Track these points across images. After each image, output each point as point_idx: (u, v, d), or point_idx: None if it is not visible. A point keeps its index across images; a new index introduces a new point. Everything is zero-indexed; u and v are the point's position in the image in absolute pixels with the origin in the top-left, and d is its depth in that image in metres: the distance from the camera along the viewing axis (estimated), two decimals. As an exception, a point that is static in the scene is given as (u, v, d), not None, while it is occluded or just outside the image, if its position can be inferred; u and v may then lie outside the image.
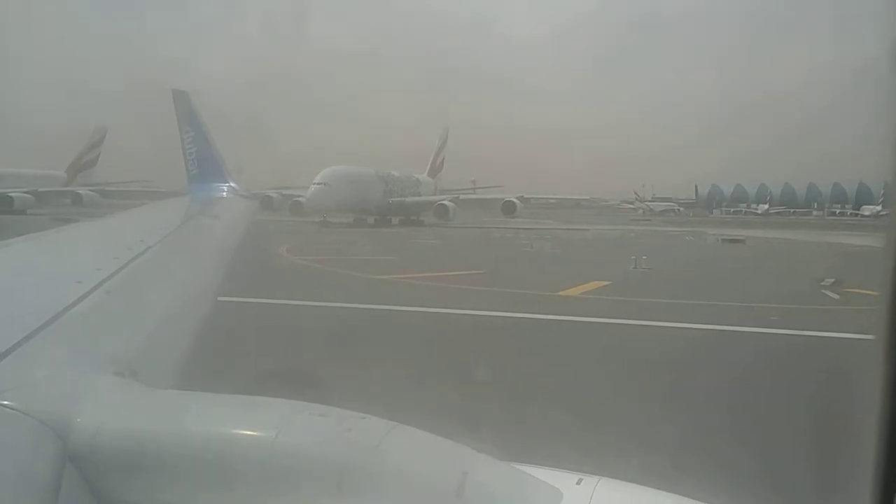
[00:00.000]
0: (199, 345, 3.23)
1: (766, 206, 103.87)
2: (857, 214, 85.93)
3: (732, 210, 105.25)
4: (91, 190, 57.31)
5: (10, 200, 51.67)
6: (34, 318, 2.23)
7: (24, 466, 1.45)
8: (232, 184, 10.84)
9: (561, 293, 17.80)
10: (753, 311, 15.36)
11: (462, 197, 62.63)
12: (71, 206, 52.11)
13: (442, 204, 57.13)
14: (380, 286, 19.28)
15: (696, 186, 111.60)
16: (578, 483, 1.40)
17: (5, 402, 1.54)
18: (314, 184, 49.59)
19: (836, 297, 17.66)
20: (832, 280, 19.51)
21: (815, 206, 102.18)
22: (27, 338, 2.04)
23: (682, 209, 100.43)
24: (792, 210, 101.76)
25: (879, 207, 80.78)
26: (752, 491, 5.43)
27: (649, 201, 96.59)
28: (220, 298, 4.64)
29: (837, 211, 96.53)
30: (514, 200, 57.08)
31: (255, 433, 1.49)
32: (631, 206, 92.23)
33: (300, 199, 50.83)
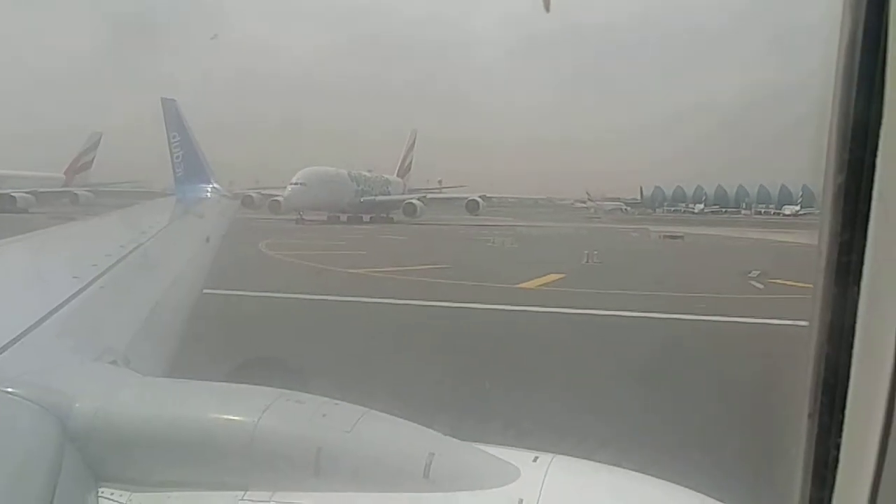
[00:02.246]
0: (186, 334, 3.22)
1: (702, 206, 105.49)
2: (779, 214, 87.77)
3: (672, 209, 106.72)
4: (87, 190, 56.71)
5: (13, 200, 51.38)
6: (35, 311, 2.21)
7: (29, 448, 1.45)
8: (215, 184, 10.76)
9: (520, 286, 17.90)
10: (690, 300, 15.61)
11: (429, 196, 62.63)
12: (69, 206, 51.41)
13: (410, 202, 57.13)
14: (350, 279, 19.20)
15: (640, 188, 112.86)
16: (534, 460, 1.43)
17: (10, 390, 1.53)
18: (291, 184, 49.42)
19: (761, 286, 18.04)
20: (758, 272, 19.89)
21: (744, 206, 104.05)
22: (29, 329, 2.02)
23: (628, 208, 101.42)
24: (724, 209, 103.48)
25: (798, 207, 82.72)
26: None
27: (599, 201, 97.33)
28: (205, 291, 4.61)
29: (763, 210, 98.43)
30: (478, 199, 57.30)
31: (238, 418, 1.49)
32: (583, 205, 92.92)
33: (278, 198, 50.49)
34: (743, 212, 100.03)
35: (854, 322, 0.99)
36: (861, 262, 0.98)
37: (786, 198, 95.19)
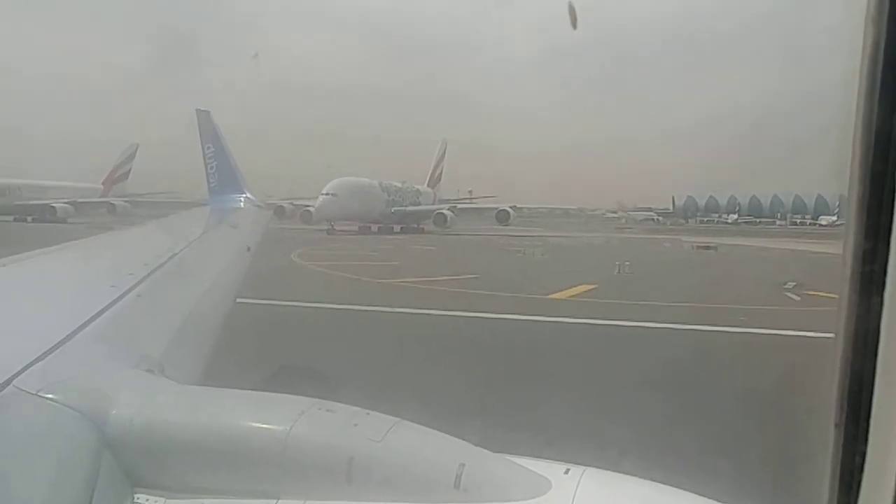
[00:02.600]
0: (220, 342, 3.26)
1: (736, 216, 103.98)
2: (815, 224, 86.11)
3: (705, 220, 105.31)
4: (124, 201, 58.00)
5: (53, 210, 53.04)
6: (74, 319, 2.25)
7: (67, 453, 1.48)
8: (248, 194, 10.90)
9: (551, 296, 17.80)
10: (724, 311, 15.38)
11: (459, 206, 62.69)
12: (106, 216, 52.60)
13: (440, 213, 57.26)
14: (381, 289, 19.27)
15: (672, 198, 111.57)
16: (566, 473, 1.42)
17: (49, 396, 1.57)
18: (322, 194, 49.79)
19: (798, 298, 17.70)
20: (794, 283, 19.54)
21: (779, 216, 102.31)
22: (68, 337, 2.07)
23: (660, 218, 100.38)
24: (758, 220, 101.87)
25: (835, 218, 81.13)
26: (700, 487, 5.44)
27: (631, 211, 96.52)
28: (238, 300, 4.66)
29: (798, 221, 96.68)
30: (508, 209, 57.20)
31: (270, 426, 1.51)
32: (614, 215, 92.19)
33: (310, 208, 50.94)
34: (778, 222, 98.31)
35: (878, 331, 0.99)
36: (885, 272, 0.99)
37: (822, 208, 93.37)
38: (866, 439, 1.03)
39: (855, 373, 1.04)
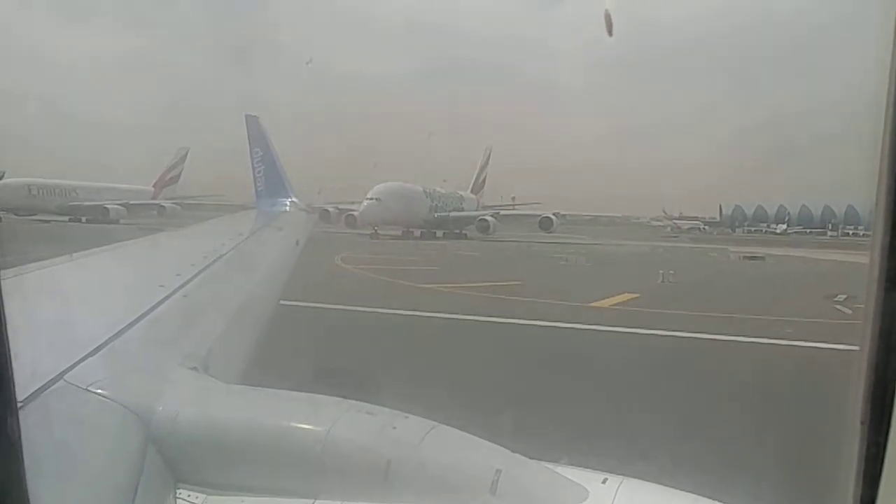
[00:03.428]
0: (264, 343, 3.31)
1: (785, 226, 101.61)
2: (868, 235, 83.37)
3: (753, 229, 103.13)
4: (174, 203, 59.35)
5: (106, 211, 54.69)
6: (123, 317, 2.31)
7: (114, 447, 1.52)
8: (294, 199, 11.04)
9: (592, 304, 17.62)
10: (770, 323, 15.03)
11: (502, 212, 62.47)
12: (157, 217, 53.95)
13: (483, 219, 57.14)
14: (423, 294, 19.31)
15: (720, 206, 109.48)
16: (603, 482, 1.40)
17: (98, 391, 1.61)
18: (367, 199, 50.17)
19: (849, 311, 17.18)
20: (844, 296, 18.98)
21: (830, 227, 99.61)
22: (117, 334, 2.12)
23: (706, 227, 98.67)
24: (808, 230, 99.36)
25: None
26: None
27: (676, 219, 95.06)
28: (282, 302, 4.72)
29: (850, 232, 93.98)
30: (551, 216, 56.78)
31: (310, 426, 1.53)
32: (659, 223, 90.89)
33: (353, 212, 51.37)
34: (829, 233, 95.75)
35: None
36: None
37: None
38: (887, 436, 1.08)
39: (880, 372, 1.07)
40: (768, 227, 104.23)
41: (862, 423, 1.10)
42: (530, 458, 1.48)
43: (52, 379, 1.63)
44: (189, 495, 1.54)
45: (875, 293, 1.05)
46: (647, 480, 1.46)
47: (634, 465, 1.54)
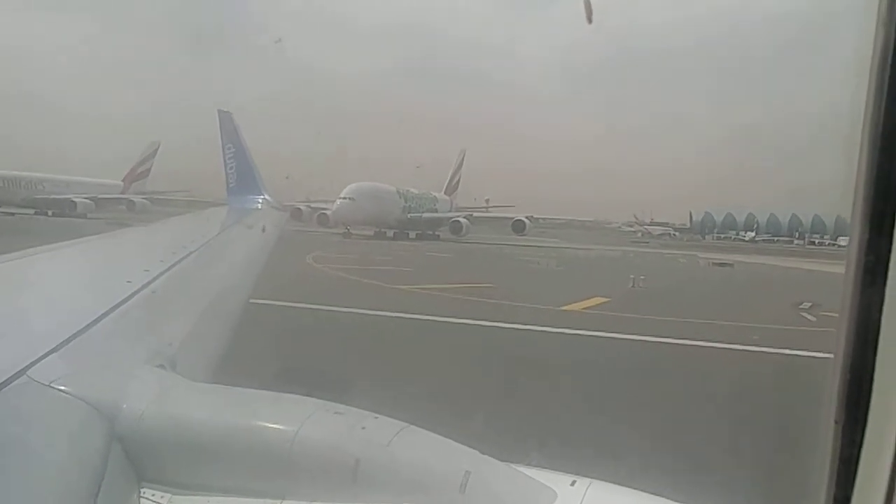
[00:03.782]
0: (233, 341, 3.27)
1: (753, 234, 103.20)
2: (834, 245, 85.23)
3: (722, 236, 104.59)
4: (143, 198, 58.61)
5: (73, 205, 53.77)
6: (89, 313, 2.27)
7: (77, 445, 1.49)
8: (266, 196, 10.96)
9: (563, 308, 17.74)
10: (737, 329, 15.25)
11: (475, 215, 62.62)
12: (126, 212, 53.22)
13: (456, 220, 57.27)
14: (395, 295, 19.29)
15: (690, 213, 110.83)
16: (572, 484, 1.41)
17: (61, 388, 1.58)
18: (340, 198, 49.99)
19: (813, 319, 17.51)
20: (810, 304, 19.33)
21: (797, 236, 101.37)
22: (82, 330, 2.08)
23: (677, 234, 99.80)
24: (776, 238, 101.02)
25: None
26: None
27: (647, 225, 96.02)
28: (251, 301, 4.68)
29: (817, 241, 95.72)
30: (524, 219, 57.05)
31: (278, 426, 1.51)
32: (631, 229, 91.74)
33: (326, 211, 51.15)
34: (796, 241, 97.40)
35: (878, 333, 1.04)
36: (885, 272, 1.03)
37: (842, 229, 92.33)
38: (863, 435, 1.08)
39: (854, 372, 1.09)
40: (737, 234, 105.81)
41: (836, 422, 1.12)
42: (500, 459, 1.48)
43: (14, 374, 1.60)
44: (154, 495, 1.51)
45: (849, 295, 1.08)
46: (616, 483, 1.47)
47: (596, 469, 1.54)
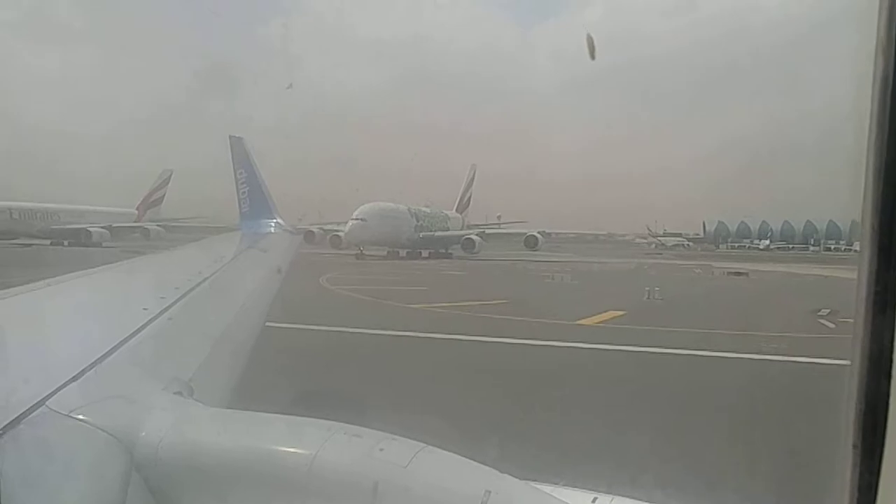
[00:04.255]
0: (248, 366, 3.28)
1: (768, 242, 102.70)
2: (850, 250, 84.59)
3: (737, 245, 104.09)
4: (158, 225, 59.08)
5: (88, 234, 54.32)
6: (106, 341, 2.28)
7: (96, 474, 1.49)
8: (279, 220, 11.03)
9: (578, 322, 17.66)
10: (755, 339, 15.11)
11: (488, 231, 62.69)
12: (140, 240, 53.63)
13: (469, 238, 57.30)
14: (410, 314, 19.28)
15: (703, 223, 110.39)
16: (593, 501, 1.39)
17: (80, 417, 1.59)
18: (352, 219, 50.22)
19: (832, 325, 17.32)
20: (828, 311, 19.13)
21: (812, 242, 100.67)
22: (100, 359, 2.09)
23: (690, 244, 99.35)
24: (791, 245, 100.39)
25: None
26: None
27: (661, 236, 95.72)
28: (267, 324, 4.69)
29: (832, 247, 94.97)
30: (537, 235, 57.08)
31: (296, 450, 1.51)
32: (644, 240, 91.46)
33: (339, 233, 51.35)
34: (811, 248, 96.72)
35: (893, 353, 1.02)
36: None
37: (857, 234, 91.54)
38: (881, 458, 1.05)
39: (871, 394, 1.06)
40: (751, 242, 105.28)
41: (854, 446, 1.09)
42: (520, 478, 1.47)
43: (33, 405, 1.60)
44: None
45: (863, 314, 1.05)
46: (637, 499, 1.45)
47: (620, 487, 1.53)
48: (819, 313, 18.96)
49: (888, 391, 1.03)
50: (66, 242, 53.71)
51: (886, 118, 0.99)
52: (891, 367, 1.02)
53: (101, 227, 56.90)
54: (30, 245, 50.78)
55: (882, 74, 0.99)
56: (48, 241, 54.05)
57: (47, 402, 1.63)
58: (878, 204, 1.01)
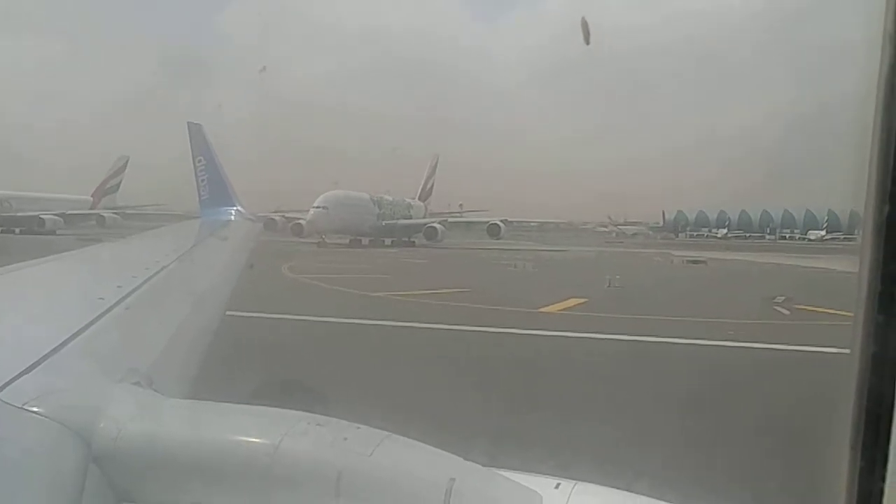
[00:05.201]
0: (209, 356, 3.24)
1: (726, 231, 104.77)
2: (804, 238, 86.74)
3: (695, 234, 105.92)
4: (114, 213, 57.86)
5: (42, 222, 52.93)
6: (61, 332, 2.23)
7: (53, 467, 1.46)
8: (239, 207, 10.89)
9: (541, 310, 17.80)
10: (713, 325, 15.42)
11: (450, 220, 62.78)
12: (96, 228, 52.46)
13: (431, 226, 57.38)
14: (372, 302, 19.24)
15: (662, 212, 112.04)
16: (556, 487, 1.41)
17: (35, 409, 1.55)
18: (314, 207, 49.88)
19: (787, 312, 17.77)
20: (783, 298, 19.60)
21: (769, 231, 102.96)
22: (55, 350, 2.04)
23: (650, 233, 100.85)
24: (748, 234, 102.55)
25: (823, 232, 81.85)
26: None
27: (621, 225, 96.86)
28: (228, 313, 4.64)
29: (787, 235, 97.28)
30: (499, 223, 57.35)
31: (259, 440, 1.49)
32: (605, 229, 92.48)
33: (301, 221, 50.93)
34: (767, 237, 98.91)
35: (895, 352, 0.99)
36: None
37: (811, 222, 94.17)
38: (885, 463, 1.01)
39: (872, 394, 1.03)
40: (709, 231, 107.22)
41: (852, 448, 1.05)
42: (484, 465, 1.48)
43: None
44: None
45: (863, 310, 1.03)
46: (600, 484, 1.47)
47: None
48: (774, 301, 19.41)
49: (893, 391, 1.00)
50: (17, 230, 52.33)
51: (894, 112, 0.98)
52: (894, 365, 1.00)
53: (55, 215, 55.51)
54: (-22, 233, 49.42)
55: (890, 62, 0.97)
56: (-1, 229, 52.65)
57: (0, 394, 1.59)
58: (881, 197, 0.99)
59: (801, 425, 6.84)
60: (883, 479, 1.01)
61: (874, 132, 0.99)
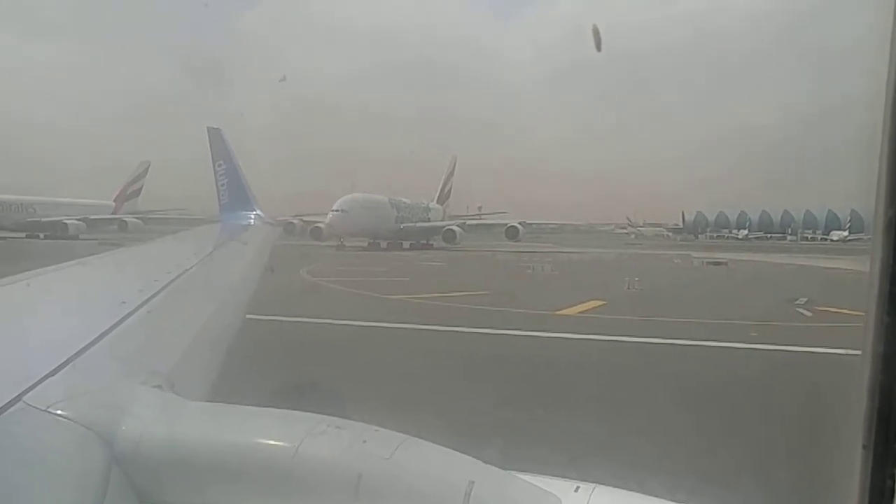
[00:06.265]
0: (230, 358, 3.26)
1: (746, 232, 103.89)
2: (826, 239, 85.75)
3: (716, 235, 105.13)
4: (136, 217, 58.53)
5: (65, 227, 53.76)
6: (84, 336, 2.26)
7: (76, 470, 1.48)
8: (258, 211, 10.96)
9: (559, 312, 17.74)
10: (733, 327, 15.28)
11: (469, 222, 62.77)
12: (118, 232, 53.14)
13: (450, 229, 57.35)
14: (390, 305, 19.28)
15: (682, 213, 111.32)
16: (576, 490, 1.40)
17: (59, 413, 1.57)
18: (332, 210, 50.08)
19: (809, 314, 17.56)
20: (805, 299, 19.38)
21: (790, 232, 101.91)
22: (77, 353, 2.07)
23: (670, 234, 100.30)
24: (769, 235, 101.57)
25: (846, 233, 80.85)
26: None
27: (640, 227, 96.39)
28: (248, 316, 4.67)
29: (809, 236, 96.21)
30: (517, 225, 57.25)
31: (279, 442, 1.50)
32: (624, 231, 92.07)
33: (319, 225, 51.16)
34: (789, 237, 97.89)
35: None
36: None
37: (833, 223, 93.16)
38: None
39: (884, 393, 1.02)
40: (730, 232, 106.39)
41: (864, 447, 1.05)
42: (503, 468, 1.48)
43: (10, 401, 1.58)
44: None
45: (874, 309, 1.02)
46: (620, 488, 1.46)
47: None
48: (796, 302, 19.20)
49: None
50: (41, 235, 53.09)
51: None
52: None
53: (78, 220, 56.24)
54: (4, 238, 50.11)
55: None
56: (23, 235, 53.37)
57: (24, 398, 1.61)
58: (890, 198, 0.98)
59: (818, 425, 6.76)
60: (893, 478, 1.01)
61: (884, 133, 0.98)
